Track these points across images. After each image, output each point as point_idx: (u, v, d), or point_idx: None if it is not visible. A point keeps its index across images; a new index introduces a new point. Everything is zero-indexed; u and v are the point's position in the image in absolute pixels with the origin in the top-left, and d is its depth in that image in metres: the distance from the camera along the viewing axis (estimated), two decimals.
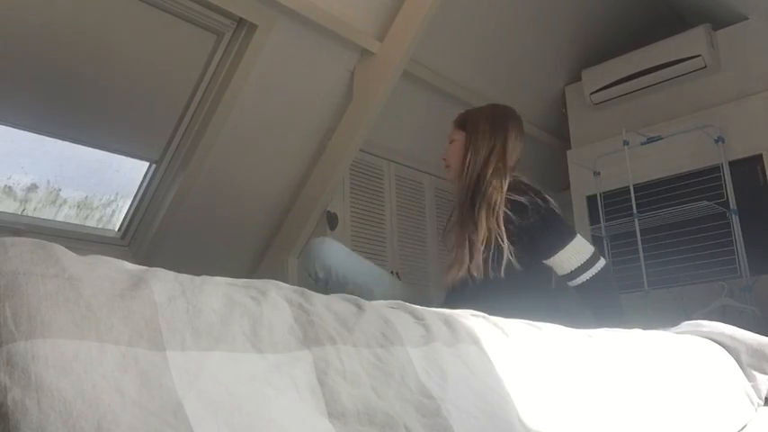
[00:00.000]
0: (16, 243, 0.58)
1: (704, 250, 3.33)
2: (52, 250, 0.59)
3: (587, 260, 1.78)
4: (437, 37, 3.18)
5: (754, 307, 2.99)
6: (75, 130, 2.60)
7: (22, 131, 2.50)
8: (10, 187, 2.59)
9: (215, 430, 0.53)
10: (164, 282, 0.63)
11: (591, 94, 3.87)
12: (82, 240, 2.76)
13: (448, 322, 0.89)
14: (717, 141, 3.32)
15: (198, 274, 0.71)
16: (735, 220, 3.22)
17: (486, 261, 1.77)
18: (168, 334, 0.57)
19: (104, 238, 2.90)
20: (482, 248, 1.76)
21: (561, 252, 1.77)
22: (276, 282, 0.77)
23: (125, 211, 2.94)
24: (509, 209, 1.78)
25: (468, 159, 1.93)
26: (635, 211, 3.33)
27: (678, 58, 3.53)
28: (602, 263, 1.80)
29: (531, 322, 1.08)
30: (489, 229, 1.75)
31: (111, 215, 2.94)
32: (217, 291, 0.66)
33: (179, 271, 0.69)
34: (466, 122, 2.01)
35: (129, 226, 2.95)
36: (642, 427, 1.01)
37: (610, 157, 3.55)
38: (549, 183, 3.85)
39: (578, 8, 3.74)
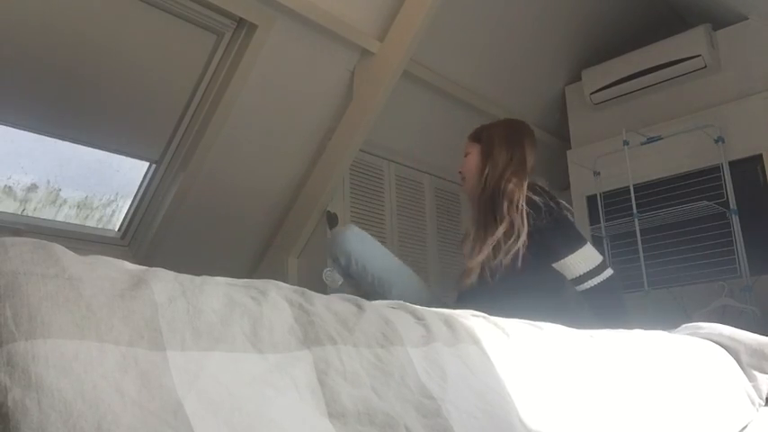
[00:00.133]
0: (16, 243, 0.58)
1: (704, 250, 3.33)
2: (52, 250, 0.59)
3: (595, 267, 1.81)
4: (437, 37, 3.18)
5: (754, 307, 2.99)
6: (75, 130, 2.60)
7: (22, 131, 2.50)
8: (10, 187, 2.59)
9: (215, 430, 0.53)
10: (164, 282, 0.63)
11: (591, 94, 3.87)
12: (82, 240, 2.77)
13: (448, 322, 0.89)
14: (717, 141, 3.32)
15: (198, 274, 0.71)
16: (735, 220, 3.22)
17: (500, 262, 1.79)
18: (168, 334, 0.57)
19: (104, 238, 2.90)
20: (504, 247, 1.78)
21: (571, 256, 1.80)
22: (276, 282, 0.77)
23: (125, 211, 2.94)
24: (527, 205, 1.81)
25: (486, 171, 1.97)
26: (635, 211, 3.33)
27: (678, 58, 3.53)
28: (609, 272, 1.83)
29: (532, 322, 1.08)
30: (512, 222, 1.78)
31: (111, 215, 2.94)
32: (217, 291, 0.66)
33: (179, 271, 0.69)
34: (481, 136, 2.06)
35: (129, 226, 2.95)
36: (643, 427, 1.01)
37: (610, 157, 3.55)
38: (550, 183, 3.84)
39: (578, 8, 3.73)
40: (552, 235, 1.79)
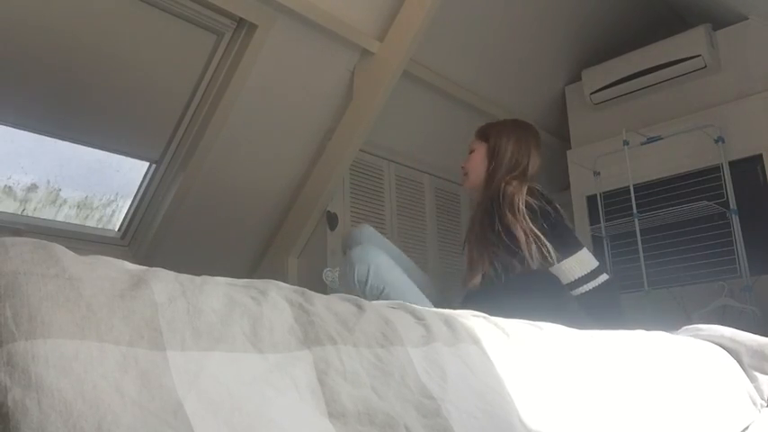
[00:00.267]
0: (17, 243, 0.58)
1: (704, 250, 3.33)
2: (53, 250, 0.59)
3: (590, 272, 1.81)
4: (437, 37, 3.18)
5: (754, 307, 2.99)
6: (75, 130, 2.60)
7: (22, 131, 2.50)
8: (10, 187, 2.59)
9: (215, 430, 0.53)
10: (164, 282, 0.63)
11: (591, 94, 3.87)
12: (82, 240, 2.77)
13: (448, 322, 0.89)
14: (717, 141, 3.32)
15: (198, 274, 0.71)
16: (735, 220, 3.22)
17: (509, 261, 1.79)
18: (168, 334, 0.57)
19: (104, 238, 2.90)
20: (519, 249, 1.78)
21: (565, 261, 1.80)
22: (276, 282, 0.77)
23: (125, 211, 2.94)
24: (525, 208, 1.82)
25: (489, 172, 1.99)
26: (635, 211, 3.33)
27: (678, 58, 3.53)
28: (604, 277, 1.83)
29: (532, 322, 1.08)
30: (525, 232, 1.79)
31: (111, 215, 2.94)
32: (217, 291, 0.66)
33: (179, 271, 0.69)
34: (489, 134, 2.07)
35: (129, 226, 2.95)
36: (644, 428, 1.01)
37: (610, 157, 3.54)
38: (549, 183, 3.85)
39: (578, 9, 3.73)
40: (548, 238, 1.80)
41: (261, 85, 2.80)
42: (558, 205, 1.91)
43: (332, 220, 3.20)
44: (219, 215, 3.03)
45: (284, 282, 0.79)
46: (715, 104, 3.43)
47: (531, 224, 1.79)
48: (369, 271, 1.88)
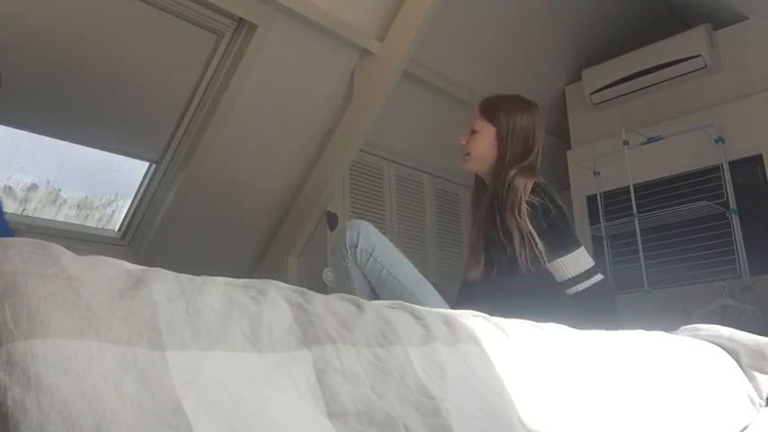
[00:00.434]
0: (16, 243, 0.58)
1: (704, 250, 3.33)
2: (52, 250, 0.60)
3: (585, 272, 1.80)
4: (437, 37, 3.18)
5: (754, 307, 2.99)
6: (75, 130, 2.60)
7: (21, 131, 2.50)
8: (10, 187, 2.60)
9: (214, 430, 0.53)
10: (163, 282, 0.63)
11: (591, 94, 3.87)
12: (82, 240, 2.77)
13: (447, 322, 0.89)
14: (717, 141, 3.32)
15: (198, 273, 0.71)
16: (735, 220, 3.22)
17: (504, 258, 1.79)
18: (167, 334, 0.57)
19: (104, 238, 2.90)
20: (514, 248, 1.77)
21: (561, 259, 1.79)
22: (276, 282, 0.77)
23: (125, 211, 2.94)
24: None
25: (500, 157, 1.91)
26: (635, 211, 3.33)
27: (678, 58, 3.53)
28: (599, 277, 1.82)
29: (532, 322, 1.08)
30: (521, 232, 1.77)
31: (111, 215, 2.94)
32: (216, 290, 0.66)
33: (179, 271, 0.69)
34: (497, 116, 1.94)
35: (129, 226, 2.95)
36: (644, 428, 1.01)
37: (610, 157, 3.55)
38: (550, 183, 3.84)
39: (578, 8, 3.73)
40: (546, 235, 1.79)
41: (261, 85, 2.80)
42: (560, 203, 1.88)
43: (332, 220, 3.20)
44: (219, 215, 3.03)
45: (284, 282, 0.79)
46: (715, 104, 3.43)
47: (529, 225, 1.77)
48: (358, 235, 1.89)
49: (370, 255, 1.89)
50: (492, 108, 1.98)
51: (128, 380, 0.51)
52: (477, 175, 2.05)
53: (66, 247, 0.62)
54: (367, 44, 2.98)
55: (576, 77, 4.05)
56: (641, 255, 3.30)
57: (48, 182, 2.68)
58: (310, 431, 0.61)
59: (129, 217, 2.94)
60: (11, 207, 2.60)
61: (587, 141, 3.90)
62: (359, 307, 0.81)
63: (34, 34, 2.25)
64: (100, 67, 2.45)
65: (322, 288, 2.74)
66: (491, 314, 1.06)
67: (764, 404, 1.38)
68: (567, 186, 3.95)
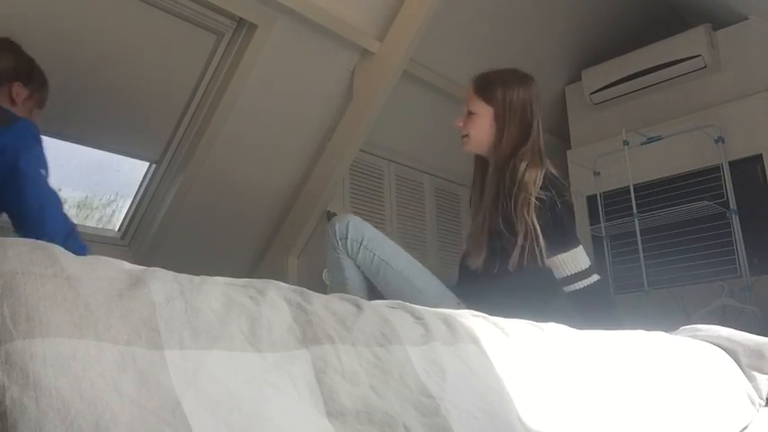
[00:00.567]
0: (16, 243, 0.58)
1: (704, 250, 3.33)
2: (51, 251, 0.60)
3: (582, 271, 1.80)
4: (437, 37, 3.18)
5: (754, 307, 2.99)
6: (75, 130, 2.60)
7: None
8: None
9: (213, 429, 0.53)
10: (162, 282, 0.63)
11: (591, 94, 3.87)
12: (82, 240, 2.76)
13: (447, 322, 0.89)
14: (717, 141, 3.32)
15: (198, 273, 0.71)
16: (735, 220, 3.22)
17: (511, 253, 1.78)
18: (166, 333, 0.57)
19: (104, 238, 2.90)
20: (517, 243, 1.75)
21: (561, 255, 1.78)
22: (276, 282, 0.77)
23: (125, 211, 2.94)
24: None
25: (498, 135, 1.86)
26: (635, 211, 3.33)
27: (678, 58, 3.53)
28: (595, 277, 1.82)
29: (531, 322, 1.08)
30: (527, 229, 1.74)
31: (111, 215, 2.94)
32: (215, 290, 0.66)
33: (179, 271, 0.69)
34: (493, 95, 1.88)
35: (129, 226, 2.95)
36: (643, 428, 1.01)
37: (610, 157, 3.55)
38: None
39: (578, 8, 3.73)
40: (549, 231, 1.78)
41: (261, 85, 2.80)
42: (568, 197, 1.85)
43: (332, 221, 3.20)
44: (219, 215, 3.03)
45: (284, 282, 0.79)
46: (715, 104, 3.43)
47: (536, 222, 1.75)
48: (347, 226, 1.90)
49: (360, 243, 1.89)
50: (487, 86, 1.91)
51: (126, 379, 0.51)
52: (476, 155, 2.00)
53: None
54: (367, 44, 2.98)
55: (576, 77, 4.05)
56: (641, 255, 3.30)
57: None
58: (310, 431, 0.61)
59: (129, 217, 2.94)
60: None
61: (587, 141, 3.90)
62: (358, 307, 0.81)
63: (34, 34, 2.25)
64: (100, 67, 2.45)
65: (322, 288, 2.74)
66: (492, 312, 1.05)
67: (764, 404, 1.38)
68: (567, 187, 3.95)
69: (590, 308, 1.79)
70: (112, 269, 0.63)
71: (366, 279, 1.93)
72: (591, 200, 3.75)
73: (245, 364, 0.60)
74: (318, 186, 3.17)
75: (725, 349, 1.44)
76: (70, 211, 2.79)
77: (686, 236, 3.39)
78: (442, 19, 3.06)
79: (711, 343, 1.45)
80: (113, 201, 2.92)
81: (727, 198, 3.27)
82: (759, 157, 3.29)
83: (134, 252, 2.93)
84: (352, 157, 3.23)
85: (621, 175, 3.44)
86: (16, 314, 0.50)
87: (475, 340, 0.89)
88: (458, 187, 3.93)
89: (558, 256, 1.78)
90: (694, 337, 1.48)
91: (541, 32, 3.73)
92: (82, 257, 0.62)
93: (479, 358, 0.86)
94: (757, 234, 3.20)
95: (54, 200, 1.69)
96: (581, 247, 1.83)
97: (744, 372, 1.41)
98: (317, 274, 2.88)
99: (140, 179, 2.91)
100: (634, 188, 3.36)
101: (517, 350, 0.94)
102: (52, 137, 2.58)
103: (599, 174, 3.68)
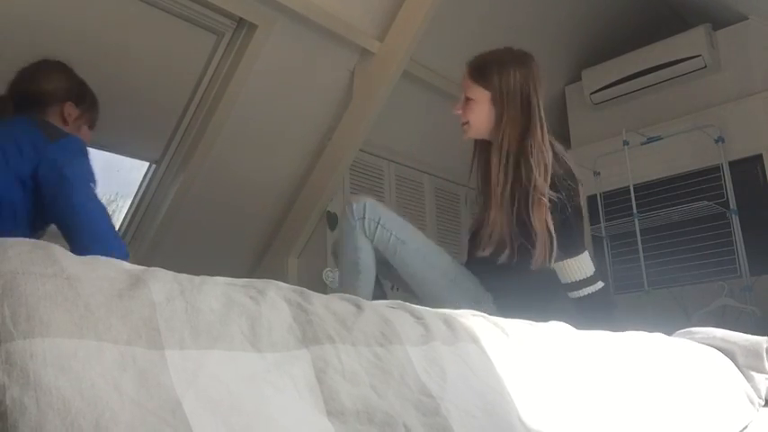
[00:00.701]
0: (16, 243, 0.58)
1: (704, 250, 3.33)
2: (51, 251, 0.60)
3: (588, 278, 1.77)
4: (437, 37, 3.18)
5: (754, 307, 2.99)
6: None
7: None
8: None
9: (213, 429, 0.53)
10: (162, 281, 0.63)
11: (591, 94, 3.88)
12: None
13: (447, 321, 0.89)
14: (717, 141, 3.32)
15: (198, 273, 0.71)
16: (735, 220, 3.23)
17: (522, 252, 1.76)
18: (167, 333, 0.57)
19: None
20: (531, 243, 1.73)
21: (568, 260, 1.75)
22: (276, 282, 0.77)
23: (125, 211, 2.94)
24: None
25: (498, 119, 1.80)
26: (635, 211, 3.33)
27: (678, 58, 3.53)
28: (600, 284, 1.79)
29: (531, 322, 1.08)
30: (542, 231, 1.70)
31: (112, 215, 2.94)
32: (215, 290, 0.66)
33: (179, 271, 0.69)
34: (488, 77, 1.82)
35: (129, 226, 2.95)
36: (643, 428, 1.01)
37: (610, 157, 3.55)
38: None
39: (578, 8, 3.74)
40: (557, 234, 1.75)
41: (261, 85, 2.80)
42: (578, 200, 1.81)
43: (332, 220, 3.20)
44: (219, 215, 3.04)
45: (284, 282, 0.79)
46: (715, 104, 3.44)
47: (549, 222, 1.68)
48: (365, 207, 1.86)
49: (378, 223, 1.85)
50: (482, 69, 1.85)
51: (127, 379, 0.51)
52: (476, 140, 1.96)
53: (65, 248, 0.62)
54: (367, 44, 2.99)
55: (576, 77, 4.05)
56: (641, 255, 3.30)
57: None
58: (310, 430, 0.61)
59: (129, 217, 2.94)
60: None
61: (587, 141, 3.90)
62: (358, 307, 0.81)
63: (34, 34, 2.25)
64: (100, 66, 2.45)
65: (322, 288, 2.75)
66: (496, 310, 1.05)
67: (763, 404, 1.38)
68: None
69: (593, 314, 1.77)
70: (112, 269, 0.63)
71: (377, 261, 1.89)
72: (591, 200, 3.75)
73: (246, 364, 0.60)
74: (318, 186, 3.18)
75: (721, 350, 1.44)
76: None
77: (686, 236, 3.39)
78: (441, 19, 3.06)
79: (707, 345, 1.45)
80: (113, 201, 2.92)
81: (727, 198, 3.27)
82: (759, 157, 3.29)
83: (134, 252, 2.93)
84: (352, 157, 3.23)
85: (621, 175, 3.44)
86: (16, 314, 0.50)
87: (475, 340, 0.89)
88: (458, 187, 3.93)
89: (565, 261, 1.74)
90: (691, 339, 1.48)
91: (541, 32, 3.73)
92: (82, 257, 0.62)
93: (479, 358, 0.86)
94: (757, 234, 3.21)
95: (104, 211, 1.72)
96: (587, 252, 1.80)
97: (742, 372, 1.42)
98: (317, 274, 2.89)
99: (140, 179, 2.91)
100: (634, 188, 3.36)
101: (517, 350, 0.94)
102: None
103: (599, 174, 3.68)
